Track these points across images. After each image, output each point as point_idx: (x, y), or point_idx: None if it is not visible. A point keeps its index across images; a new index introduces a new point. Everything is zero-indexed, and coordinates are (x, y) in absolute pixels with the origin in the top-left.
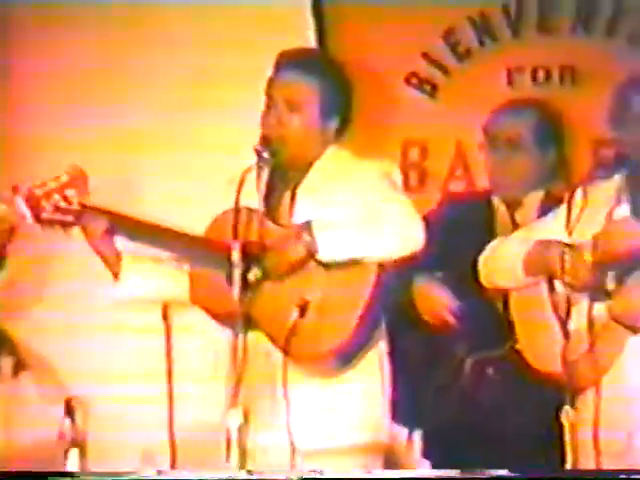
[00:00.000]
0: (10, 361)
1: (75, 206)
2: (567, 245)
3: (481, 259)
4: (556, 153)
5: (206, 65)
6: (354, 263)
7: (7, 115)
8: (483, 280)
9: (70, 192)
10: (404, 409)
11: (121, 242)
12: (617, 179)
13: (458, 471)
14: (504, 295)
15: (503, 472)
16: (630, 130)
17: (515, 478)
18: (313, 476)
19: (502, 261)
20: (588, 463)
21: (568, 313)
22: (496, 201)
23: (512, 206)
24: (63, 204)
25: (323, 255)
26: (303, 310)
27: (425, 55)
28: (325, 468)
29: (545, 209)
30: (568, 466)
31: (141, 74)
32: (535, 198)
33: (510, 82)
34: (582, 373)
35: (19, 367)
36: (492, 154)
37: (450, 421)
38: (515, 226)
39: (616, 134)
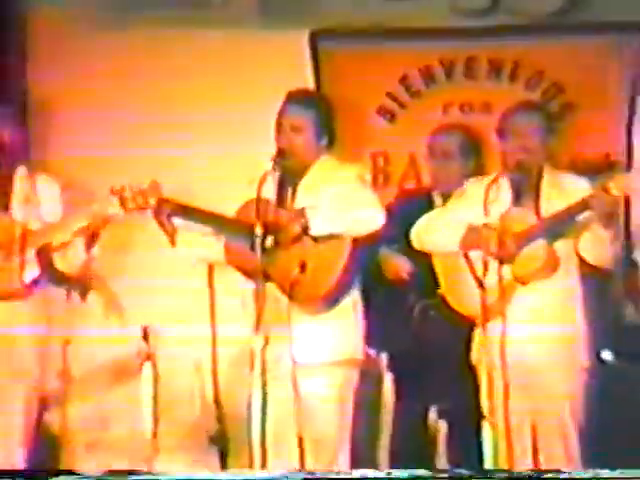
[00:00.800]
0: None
1: (151, 202)
2: (490, 227)
3: (414, 230)
4: (475, 161)
5: (232, 97)
6: (335, 237)
7: (101, 136)
8: (415, 244)
9: (149, 193)
10: (375, 338)
11: (178, 221)
12: (516, 179)
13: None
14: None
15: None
16: (510, 142)
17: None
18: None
19: (434, 235)
20: (498, 377)
21: (485, 273)
22: (435, 195)
23: (445, 198)
24: (141, 201)
25: (314, 231)
26: (302, 269)
27: (388, 94)
28: (317, 377)
29: None
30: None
31: (185, 103)
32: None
33: (445, 112)
34: (492, 312)
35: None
36: (432, 162)
37: (405, 346)
38: None
39: (502, 145)
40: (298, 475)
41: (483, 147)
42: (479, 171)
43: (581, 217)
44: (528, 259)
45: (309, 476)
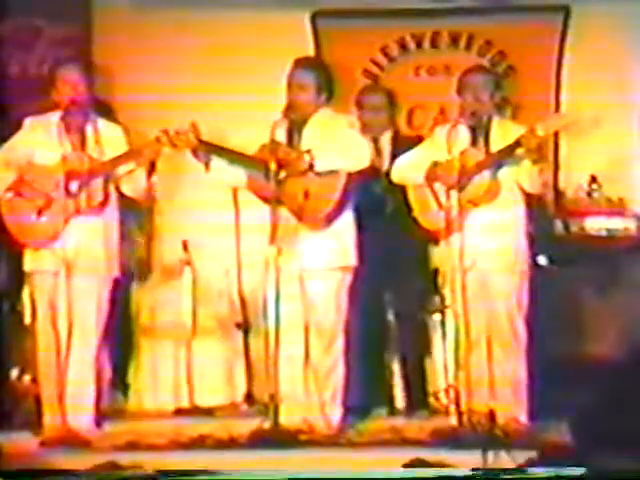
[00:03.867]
0: None
1: (192, 140)
2: (446, 164)
3: (393, 169)
4: (391, 113)
5: (251, 63)
6: (333, 172)
7: (151, 92)
8: (394, 178)
9: (190, 135)
10: (363, 248)
11: (212, 156)
12: (471, 125)
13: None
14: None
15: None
16: (466, 96)
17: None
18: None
19: (407, 171)
20: (457, 277)
21: (447, 198)
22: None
23: (375, 141)
24: (183, 140)
25: (317, 167)
26: (306, 196)
27: (372, 60)
28: (319, 279)
29: (393, 141)
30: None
31: (211, 70)
32: (388, 135)
33: (415, 74)
34: (452, 227)
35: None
36: (364, 114)
37: (383, 254)
38: (379, 150)
39: (460, 99)
40: None
41: (398, 103)
42: (392, 121)
43: (516, 153)
44: (476, 186)
45: None
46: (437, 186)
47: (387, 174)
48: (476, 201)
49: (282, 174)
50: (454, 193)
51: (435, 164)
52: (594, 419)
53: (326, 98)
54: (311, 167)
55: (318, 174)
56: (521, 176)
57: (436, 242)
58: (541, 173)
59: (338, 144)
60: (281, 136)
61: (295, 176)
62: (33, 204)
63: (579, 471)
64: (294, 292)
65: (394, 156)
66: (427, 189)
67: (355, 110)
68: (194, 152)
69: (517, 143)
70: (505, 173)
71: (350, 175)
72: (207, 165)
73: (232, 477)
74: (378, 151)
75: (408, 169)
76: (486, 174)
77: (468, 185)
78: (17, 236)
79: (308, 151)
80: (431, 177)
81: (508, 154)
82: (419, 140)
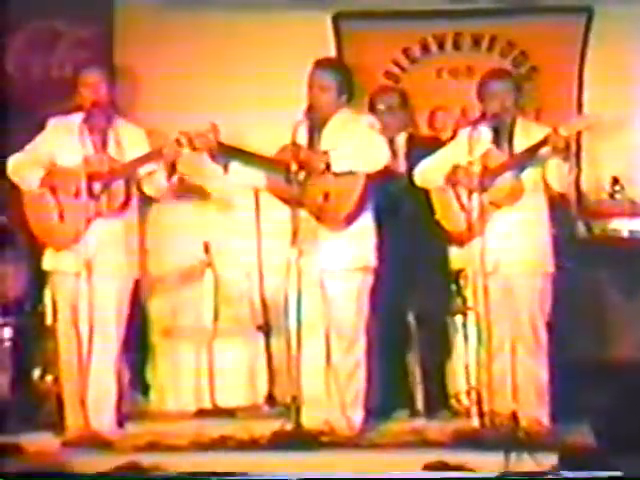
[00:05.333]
0: None
1: (212, 141)
2: (467, 167)
3: (416, 172)
4: (406, 113)
5: (273, 65)
6: (352, 173)
7: (171, 94)
8: (417, 181)
9: (210, 135)
10: (384, 249)
11: (230, 159)
12: (493, 127)
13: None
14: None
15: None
16: (489, 101)
17: None
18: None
19: (429, 174)
20: (479, 280)
21: (468, 200)
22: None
23: (392, 142)
24: (203, 141)
25: (335, 168)
26: (326, 197)
27: (394, 61)
28: (339, 280)
29: (409, 142)
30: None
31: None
32: (403, 136)
33: (437, 76)
34: (474, 229)
35: None
36: (379, 115)
37: (405, 255)
38: (394, 151)
39: (482, 103)
40: None
41: (410, 104)
42: (407, 122)
43: (540, 153)
44: (498, 188)
45: None
46: (460, 188)
47: (406, 175)
48: (499, 203)
49: (301, 175)
50: (476, 195)
51: (457, 167)
52: (617, 421)
53: (347, 99)
54: (330, 168)
55: (337, 175)
56: (549, 175)
57: (459, 244)
58: (570, 171)
59: (357, 145)
60: (302, 137)
61: (315, 178)
62: (55, 205)
63: (602, 474)
64: (315, 294)
65: (409, 157)
66: (450, 191)
67: (369, 111)
68: (212, 155)
69: (542, 143)
70: (528, 174)
71: (369, 176)
72: (225, 167)
73: (253, 478)
74: (394, 152)
75: (430, 172)
76: (509, 175)
77: (491, 187)
78: (39, 237)
79: (327, 152)
80: (453, 180)
81: (532, 155)
82: (434, 141)
